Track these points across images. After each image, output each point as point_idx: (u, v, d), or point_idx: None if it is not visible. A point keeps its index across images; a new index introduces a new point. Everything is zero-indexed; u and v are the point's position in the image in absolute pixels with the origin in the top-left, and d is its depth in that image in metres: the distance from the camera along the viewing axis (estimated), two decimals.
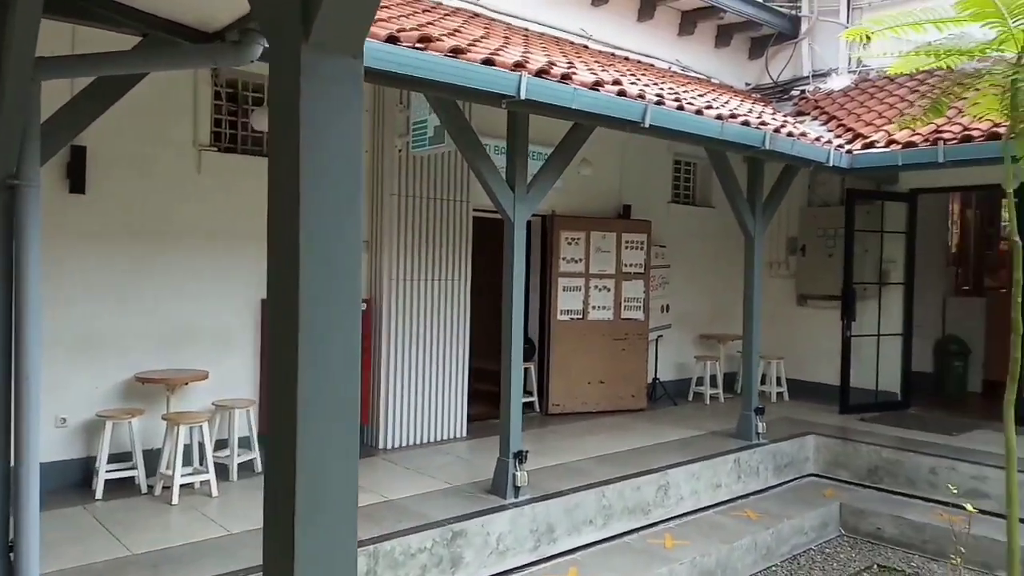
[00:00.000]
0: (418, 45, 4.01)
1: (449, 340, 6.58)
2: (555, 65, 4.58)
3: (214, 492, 4.91)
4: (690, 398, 8.69)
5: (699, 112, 5.26)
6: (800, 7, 9.30)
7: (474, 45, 4.55)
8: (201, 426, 4.92)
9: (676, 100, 5.23)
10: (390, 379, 6.24)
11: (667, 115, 4.97)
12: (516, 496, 4.98)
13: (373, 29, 3.89)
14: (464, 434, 6.69)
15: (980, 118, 5.90)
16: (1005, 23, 3.94)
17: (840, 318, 8.39)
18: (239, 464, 5.31)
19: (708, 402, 8.56)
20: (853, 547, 6.26)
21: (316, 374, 1.38)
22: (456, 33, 4.88)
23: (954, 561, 4.91)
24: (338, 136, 1.38)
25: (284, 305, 1.39)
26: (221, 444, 5.33)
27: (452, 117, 4.78)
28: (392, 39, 3.86)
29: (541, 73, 4.36)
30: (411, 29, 4.24)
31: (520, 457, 5.01)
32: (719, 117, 5.40)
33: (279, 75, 1.41)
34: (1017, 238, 4.39)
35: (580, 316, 7.78)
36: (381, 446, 6.24)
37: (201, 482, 4.96)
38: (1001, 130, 5.72)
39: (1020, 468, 4.52)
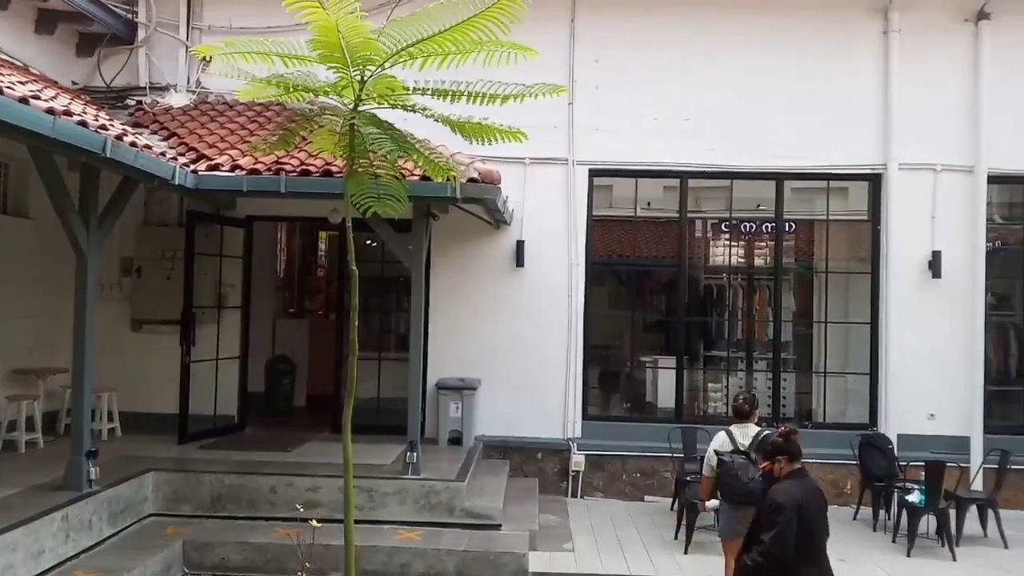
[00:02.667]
0: None
1: None
2: None
3: None
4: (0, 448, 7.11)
5: (24, 100, 4.29)
6: (137, 13, 8.69)
7: None
8: None
9: None
10: None
11: None
12: None
13: None
14: None
15: (316, 154, 6.44)
16: (347, 70, 4.28)
17: (179, 343, 8.07)
18: None
19: (24, 450, 7.15)
20: None
21: None
22: None
23: (299, 574, 5.11)
24: None
25: None
26: None
27: None
28: None
29: None
30: None
31: None
32: (51, 111, 4.51)
33: None
34: (354, 267, 4.82)
35: None
36: None
37: None
38: (334, 168, 6.33)
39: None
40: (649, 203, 9.27)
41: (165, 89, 8.64)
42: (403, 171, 5.44)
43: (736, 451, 5.30)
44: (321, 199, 6.89)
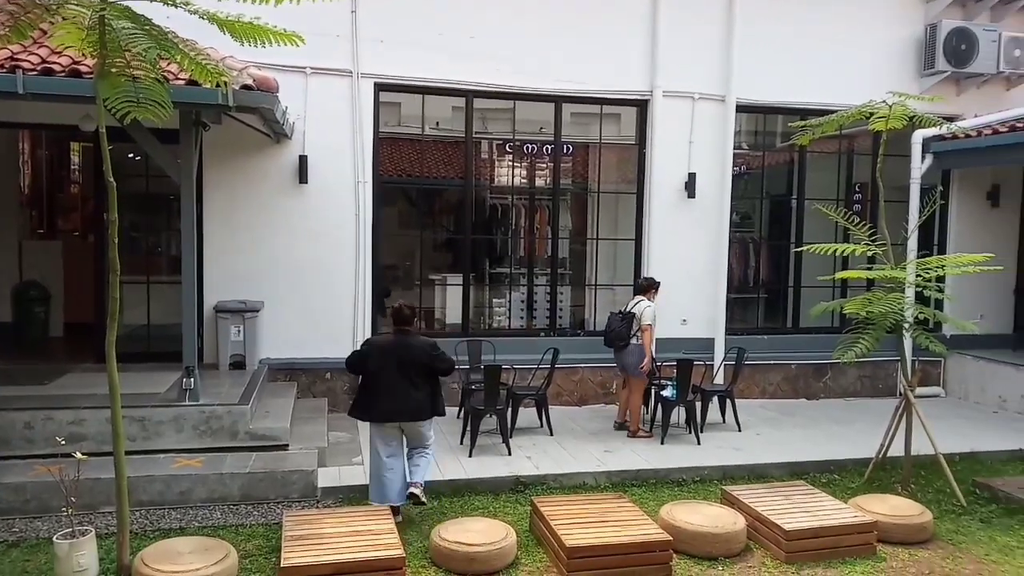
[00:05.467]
0: None
1: None
2: None
3: None
4: None
5: None
6: None
7: None
8: None
9: None
10: None
11: None
12: None
13: None
14: None
15: (60, 51, 5.70)
16: None
17: None
18: None
19: None
20: None
21: None
22: None
23: (64, 511, 4.78)
24: None
25: None
26: None
27: None
28: None
29: None
30: None
31: None
32: None
33: None
34: (111, 179, 4.43)
35: None
36: None
37: None
38: (83, 67, 5.65)
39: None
40: (438, 123, 9.27)
41: None
42: (166, 74, 5.02)
43: (622, 312, 7.73)
44: (70, 103, 6.08)
